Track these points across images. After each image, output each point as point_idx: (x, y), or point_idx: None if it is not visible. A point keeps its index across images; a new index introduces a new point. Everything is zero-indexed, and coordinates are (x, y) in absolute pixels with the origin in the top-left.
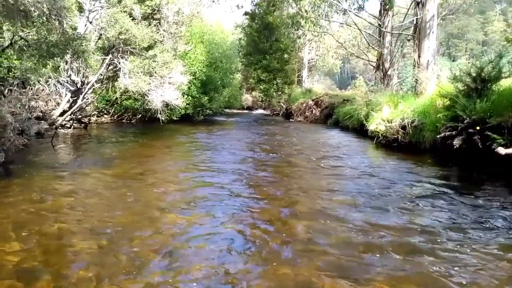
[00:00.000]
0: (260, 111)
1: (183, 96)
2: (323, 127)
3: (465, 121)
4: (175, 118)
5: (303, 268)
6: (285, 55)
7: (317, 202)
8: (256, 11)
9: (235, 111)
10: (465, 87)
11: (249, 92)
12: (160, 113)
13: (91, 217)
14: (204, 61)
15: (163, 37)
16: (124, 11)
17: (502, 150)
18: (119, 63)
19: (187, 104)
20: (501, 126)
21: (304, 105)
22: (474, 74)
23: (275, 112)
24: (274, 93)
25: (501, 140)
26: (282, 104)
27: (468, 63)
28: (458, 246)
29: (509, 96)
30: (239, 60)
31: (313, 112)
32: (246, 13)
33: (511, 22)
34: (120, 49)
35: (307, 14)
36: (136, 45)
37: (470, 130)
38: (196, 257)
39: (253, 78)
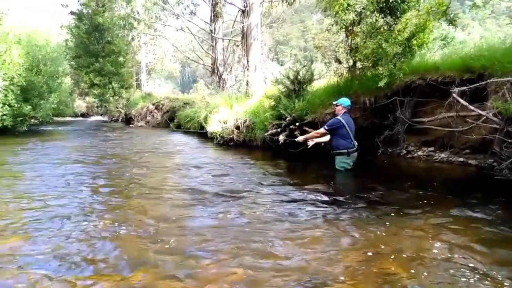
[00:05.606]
0: (97, 117)
1: None
2: (166, 131)
3: (287, 119)
4: None
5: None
6: (120, 58)
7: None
8: (84, 11)
9: (67, 119)
10: (286, 88)
11: (82, 98)
12: None
13: None
14: (23, 64)
15: None
16: None
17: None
18: None
19: (3, 114)
20: (316, 122)
21: (145, 109)
22: (292, 77)
23: (113, 118)
24: (110, 97)
25: None
26: (120, 109)
27: (291, 67)
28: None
29: (319, 95)
30: (67, 62)
31: (155, 116)
32: (72, 13)
33: (323, 31)
34: None
35: (139, 16)
36: None
37: (292, 127)
38: None
39: (85, 82)
